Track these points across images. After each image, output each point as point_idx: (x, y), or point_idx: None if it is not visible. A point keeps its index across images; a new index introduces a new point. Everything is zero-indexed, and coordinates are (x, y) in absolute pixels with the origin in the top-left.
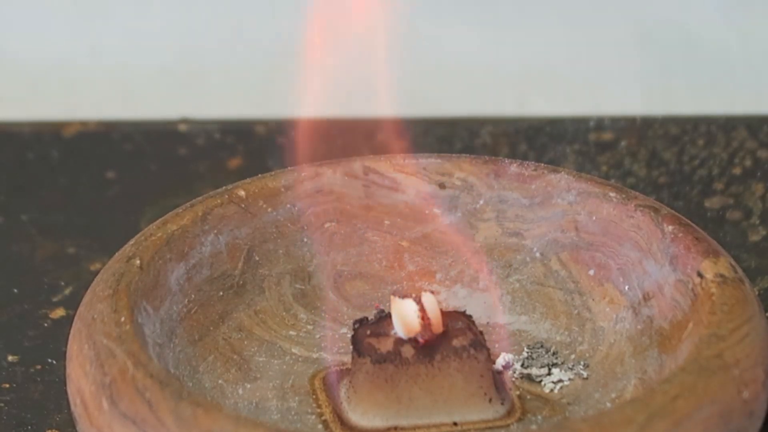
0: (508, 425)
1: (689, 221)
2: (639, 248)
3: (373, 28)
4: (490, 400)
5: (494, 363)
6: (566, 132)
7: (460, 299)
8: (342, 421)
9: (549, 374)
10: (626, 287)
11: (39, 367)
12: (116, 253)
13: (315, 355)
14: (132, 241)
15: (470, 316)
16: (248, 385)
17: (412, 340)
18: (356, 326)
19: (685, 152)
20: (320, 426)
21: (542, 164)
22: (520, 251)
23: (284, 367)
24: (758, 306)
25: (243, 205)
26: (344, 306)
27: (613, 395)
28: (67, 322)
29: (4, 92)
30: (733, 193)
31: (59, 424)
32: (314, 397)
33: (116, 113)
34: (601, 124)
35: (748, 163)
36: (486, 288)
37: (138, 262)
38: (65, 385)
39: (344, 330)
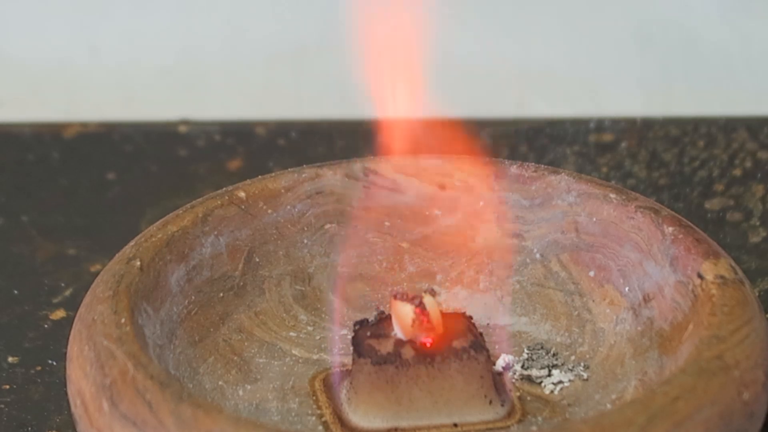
0: (508, 426)
1: (689, 222)
2: (639, 249)
3: (374, 29)
4: (491, 402)
5: (494, 364)
6: (566, 133)
7: (460, 300)
8: (342, 422)
9: (549, 375)
10: (626, 288)
11: (39, 368)
12: (116, 255)
13: (315, 357)
14: (132, 243)
15: (470, 318)
16: (248, 387)
17: (413, 342)
18: (356, 327)
19: (685, 153)
20: (320, 427)
21: (542, 165)
22: (520, 252)
23: (284, 368)
24: (758, 307)
25: (243, 207)
26: (344, 307)
27: (614, 396)
28: (68, 323)
29: (4, 93)
30: (733, 194)
31: (59, 426)
32: (314, 398)
33: (116, 114)
34: (601, 125)
35: (748, 164)
36: (486, 289)
37: (138, 263)
38: (65, 386)
39: (344, 331)
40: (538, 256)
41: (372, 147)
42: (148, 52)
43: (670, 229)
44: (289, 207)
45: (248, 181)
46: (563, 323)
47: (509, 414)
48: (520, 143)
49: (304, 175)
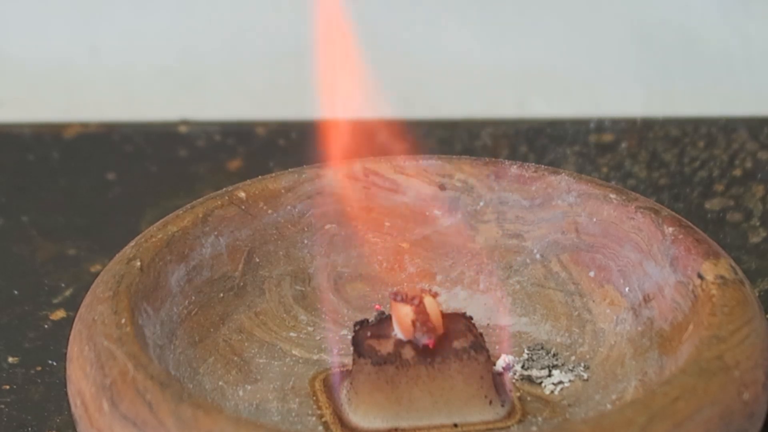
0: (508, 427)
1: (690, 223)
2: (639, 250)
3: (374, 29)
4: (491, 402)
5: (494, 364)
6: (566, 133)
7: (460, 301)
8: (342, 422)
9: (549, 376)
10: (627, 289)
11: (39, 368)
12: (117, 255)
13: (315, 357)
14: (132, 243)
15: (470, 318)
16: (249, 387)
17: (413, 342)
18: (357, 328)
19: (685, 154)
20: (321, 428)
21: (542, 166)
22: (520, 253)
23: (285, 368)
24: (758, 307)
25: (243, 207)
26: (344, 308)
27: (614, 397)
28: (68, 323)
29: (4, 93)
30: (733, 194)
31: (60, 426)
32: (315, 398)
33: (117, 115)
34: (601, 125)
35: (748, 164)
36: (486, 290)
37: (138, 263)
38: (66, 386)
39: (345, 331)
40: (538, 256)
41: (372, 147)
42: (148, 52)
43: (671, 229)
44: (289, 207)
45: (248, 182)
46: (563, 323)
47: (509, 414)
48: (520, 143)
49: (304, 176)
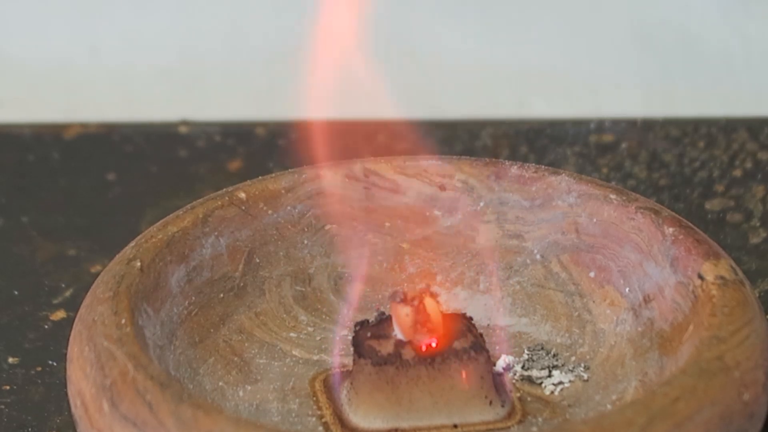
0: (508, 427)
1: (690, 223)
2: (640, 250)
3: (374, 29)
4: (491, 402)
5: (494, 365)
6: (567, 134)
7: (460, 301)
8: (343, 423)
9: (549, 376)
10: (627, 289)
11: (39, 369)
12: (117, 255)
13: (315, 357)
14: (132, 243)
15: (471, 318)
16: (249, 387)
17: (413, 342)
18: (357, 328)
19: (685, 154)
20: (321, 428)
21: (543, 166)
22: (520, 253)
23: (285, 369)
24: (759, 308)
25: (243, 207)
26: (344, 308)
27: (614, 397)
28: (68, 324)
29: (4, 93)
30: (733, 195)
31: (60, 427)
32: (315, 399)
33: (117, 115)
34: (601, 125)
35: (748, 165)
36: (486, 290)
37: (138, 264)
38: (66, 387)
39: (345, 332)
40: (538, 256)
41: (372, 147)
42: (148, 52)
43: (671, 229)
44: (289, 208)
45: (248, 182)
46: (563, 324)
47: (509, 415)
48: (521, 144)
49: (304, 176)
